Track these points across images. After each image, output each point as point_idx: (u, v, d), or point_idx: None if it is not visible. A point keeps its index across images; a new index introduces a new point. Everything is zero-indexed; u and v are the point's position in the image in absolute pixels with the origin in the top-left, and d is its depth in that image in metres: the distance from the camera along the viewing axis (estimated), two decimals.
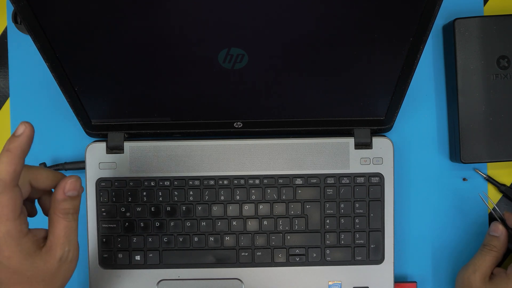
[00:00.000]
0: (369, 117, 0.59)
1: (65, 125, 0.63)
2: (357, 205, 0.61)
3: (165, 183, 0.60)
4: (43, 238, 0.45)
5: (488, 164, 0.64)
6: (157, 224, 0.60)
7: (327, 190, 0.61)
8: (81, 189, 0.45)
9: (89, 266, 0.60)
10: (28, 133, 0.40)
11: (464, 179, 0.64)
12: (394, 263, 0.61)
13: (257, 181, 0.61)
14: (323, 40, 0.50)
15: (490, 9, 0.64)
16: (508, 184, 0.64)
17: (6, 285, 0.43)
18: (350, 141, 0.61)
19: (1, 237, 0.41)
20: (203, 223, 0.60)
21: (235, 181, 0.61)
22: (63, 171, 0.62)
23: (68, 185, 0.44)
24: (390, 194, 0.61)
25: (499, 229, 0.58)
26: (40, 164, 0.61)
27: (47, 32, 0.48)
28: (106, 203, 0.60)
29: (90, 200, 0.60)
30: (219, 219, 0.60)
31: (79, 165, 0.61)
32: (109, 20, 0.48)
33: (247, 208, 0.61)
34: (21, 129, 0.40)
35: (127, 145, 0.60)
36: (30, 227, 0.45)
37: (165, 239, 0.60)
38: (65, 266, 0.45)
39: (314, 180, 0.61)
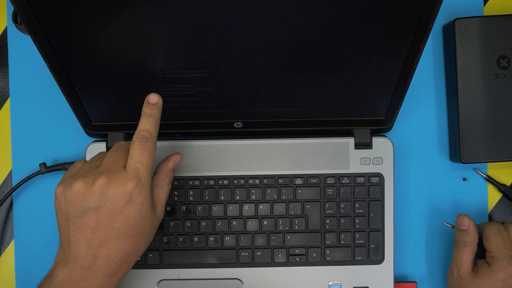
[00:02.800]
0: (369, 117, 0.59)
1: (65, 125, 0.63)
2: (357, 205, 0.61)
3: None
4: None
5: (488, 164, 0.64)
6: None
7: (327, 190, 0.61)
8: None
9: None
10: (161, 102, 0.50)
11: (464, 179, 0.64)
12: (394, 263, 0.61)
13: (257, 181, 0.61)
14: (323, 40, 0.50)
15: (490, 9, 0.64)
16: (508, 184, 0.64)
17: (123, 236, 0.47)
18: (350, 141, 0.61)
19: (144, 181, 0.48)
20: (203, 223, 0.60)
21: (235, 181, 0.61)
22: (63, 171, 0.62)
23: (178, 159, 0.54)
24: (390, 194, 0.61)
25: (465, 222, 0.58)
26: (40, 164, 0.61)
27: (47, 32, 0.48)
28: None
29: None
30: (219, 219, 0.60)
31: None
32: (109, 20, 0.48)
33: (247, 208, 0.61)
34: (156, 99, 0.50)
35: None
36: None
37: (165, 239, 0.60)
38: (157, 226, 0.51)
39: (314, 180, 0.61)
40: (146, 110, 0.50)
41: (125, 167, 0.48)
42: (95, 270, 0.47)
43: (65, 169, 0.62)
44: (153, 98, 0.50)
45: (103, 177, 0.47)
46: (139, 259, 0.60)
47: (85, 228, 0.47)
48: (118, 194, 0.47)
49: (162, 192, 0.51)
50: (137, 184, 0.47)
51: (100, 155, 0.52)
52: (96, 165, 0.50)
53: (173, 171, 0.53)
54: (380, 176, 0.61)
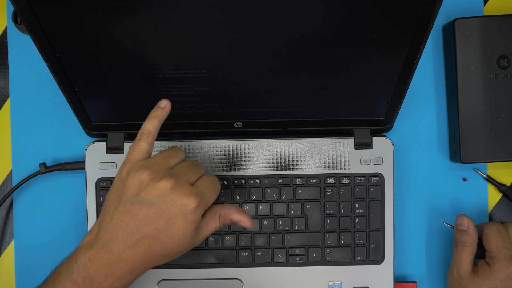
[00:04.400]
0: (369, 117, 0.59)
1: (65, 125, 0.63)
2: (357, 205, 0.61)
3: None
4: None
5: (488, 164, 0.64)
6: None
7: (327, 190, 0.61)
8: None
9: None
10: (169, 108, 0.52)
11: (464, 179, 0.64)
12: (394, 263, 0.61)
13: (257, 181, 0.61)
14: (323, 40, 0.50)
15: (490, 9, 0.64)
16: (508, 184, 0.64)
17: (159, 239, 0.48)
18: (350, 141, 0.61)
19: (202, 206, 0.49)
20: None
21: (235, 181, 0.61)
22: (63, 171, 0.62)
23: (246, 222, 0.52)
24: (390, 194, 0.61)
25: (465, 222, 0.58)
26: (40, 164, 0.61)
27: (47, 32, 0.48)
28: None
29: (90, 200, 0.60)
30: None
31: (79, 165, 0.61)
32: (109, 20, 0.48)
33: (247, 208, 0.61)
34: (164, 103, 0.51)
35: (127, 145, 0.60)
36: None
37: None
38: (188, 249, 0.50)
39: (314, 180, 0.61)
40: (151, 113, 0.51)
41: (193, 184, 0.49)
42: (122, 259, 0.47)
43: (65, 169, 0.62)
44: (162, 103, 0.52)
45: (171, 180, 0.48)
46: None
47: (132, 216, 0.47)
48: (176, 202, 0.47)
49: (212, 225, 0.51)
50: (197, 205, 0.48)
51: (177, 153, 0.51)
52: (169, 164, 0.50)
53: (231, 223, 0.52)
54: (380, 176, 0.61)
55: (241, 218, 0.51)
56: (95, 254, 0.47)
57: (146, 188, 0.48)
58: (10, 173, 0.63)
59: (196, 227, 0.49)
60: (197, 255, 0.61)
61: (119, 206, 0.48)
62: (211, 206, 0.51)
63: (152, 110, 0.51)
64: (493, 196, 0.64)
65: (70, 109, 0.57)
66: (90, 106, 0.57)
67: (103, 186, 0.60)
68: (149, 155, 0.50)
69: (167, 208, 0.47)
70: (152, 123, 0.51)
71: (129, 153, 0.50)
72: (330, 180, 0.61)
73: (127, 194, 0.48)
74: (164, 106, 0.51)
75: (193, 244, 0.50)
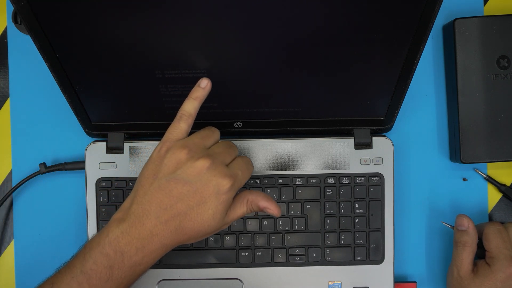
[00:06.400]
0: (369, 117, 0.59)
1: (65, 125, 0.63)
2: (357, 205, 0.61)
3: None
4: None
5: (488, 164, 0.64)
6: None
7: (327, 190, 0.61)
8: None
9: None
10: (209, 87, 0.51)
11: (464, 179, 0.64)
12: (394, 263, 0.61)
13: (257, 181, 0.61)
14: (323, 40, 0.50)
15: (490, 9, 0.64)
16: (508, 184, 0.64)
17: (190, 217, 0.48)
18: (350, 141, 0.61)
19: (235, 187, 0.50)
20: None
21: None
22: (63, 171, 0.62)
23: (273, 209, 0.52)
24: (390, 194, 0.61)
25: (465, 222, 0.58)
26: (40, 164, 0.61)
27: (47, 32, 0.48)
28: (106, 203, 0.60)
29: (90, 200, 0.60)
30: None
31: (79, 165, 0.61)
32: (109, 20, 0.48)
33: None
34: (205, 83, 0.50)
35: (127, 145, 0.60)
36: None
37: None
38: (216, 231, 0.50)
39: (314, 180, 0.61)
40: (191, 93, 0.51)
41: (227, 165, 0.50)
42: (153, 234, 0.48)
43: (65, 169, 0.62)
44: (203, 82, 0.51)
45: (207, 160, 0.48)
46: None
47: (166, 192, 0.48)
48: (211, 181, 0.48)
49: (240, 210, 0.51)
50: (231, 186, 0.49)
51: (213, 133, 0.52)
52: (206, 144, 0.51)
53: (258, 209, 0.52)
54: (380, 176, 0.61)
55: (268, 205, 0.52)
56: (127, 228, 0.48)
57: (183, 167, 0.48)
58: (10, 173, 0.63)
59: (226, 208, 0.49)
60: (197, 255, 0.61)
61: (154, 182, 0.49)
62: (239, 192, 0.51)
63: (192, 91, 0.51)
64: (493, 196, 0.64)
65: (70, 109, 0.57)
66: (90, 106, 0.57)
67: (103, 186, 0.60)
68: (187, 135, 0.51)
69: (201, 187, 0.48)
70: (193, 105, 0.51)
71: (168, 132, 0.51)
72: (330, 180, 0.61)
73: (164, 171, 0.49)
74: (204, 86, 0.51)
75: (220, 227, 0.50)
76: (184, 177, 0.48)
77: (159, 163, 0.49)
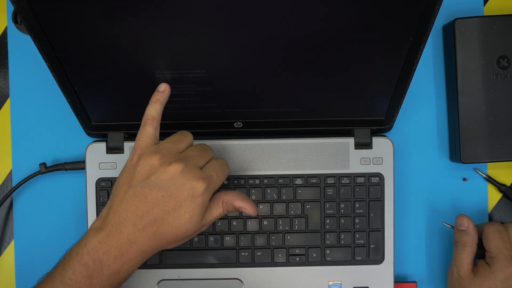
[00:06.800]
0: (369, 117, 0.59)
1: (65, 125, 0.63)
2: (357, 205, 0.61)
3: None
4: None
5: (488, 164, 0.64)
6: None
7: (327, 190, 0.61)
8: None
9: None
10: (168, 91, 0.52)
11: (464, 179, 0.64)
12: (394, 263, 0.61)
13: (257, 181, 0.61)
14: (323, 40, 0.50)
15: (490, 9, 0.64)
16: (508, 184, 0.64)
17: (167, 222, 0.48)
18: (350, 141, 0.61)
19: (210, 189, 0.50)
20: None
21: (235, 181, 0.61)
22: (63, 171, 0.62)
23: (248, 209, 0.53)
24: (390, 194, 0.61)
25: (465, 222, 0.58)
26: (40, 164, 0.61)
27: (47, 32, 0.48)
28: (106, 203, 0.60)
29: (90, 200, 0.60)
30: (219, 219, 0.60)
31: (79, 165, 0.61)
32: (109, 20, 0.48)
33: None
34: (163, 87, 0.52)
35: (127, 145, 0.60)
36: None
37: None
38: (193, 234, 0.51)
39: (314, 180, 0.61)
40: (152, 98, 0.52)
41: (201, 168, 0.50)
42: (131, 241, 0.48)
43: (65, 169, 0.62)
44: (161, 87, 0.52)
45: (180, 164, 0.49)
46: None
47: (142, 199, 0.48)
48: (185, 185, 0.48)
49: (216, 211, 0.51)
50: (205, 188, 0.49)
51: (185, 137, 0.52)
52: (179, 148, 0.51)
53: (234, 209, 0.52)
54: (380, 176, 0.61)
55: (243, 204, 0.52)
56: (104, 237, 0.48)
57: (156, 172, 0.49)
58: (10, 173, 0.63)
59: (203, 211, 0.50)
60: (197, 255, 0.61)
61: (129, 190, 0.49)
62: (215, 193, 0.51)
63: (153, 95, 0.52)
64: (493, 196, 0.64)
65: (70, 109, 0.57)
66: (90, 106, 0.57)
67: (103, 186, 0.60)
68: (156, 139, 0.51)
69: (176, 191, 0.48)
70: (154, 108, 0.51)
71: (137, 139, 0.51)
72: (330, 180, 0.61)
73: (137, 178, 0.49)
74: (163, 90, 0.52)
75: (198, 230, 0.50)
76: (158, 183, 0.48)
77: (133, 170, 0.49)
